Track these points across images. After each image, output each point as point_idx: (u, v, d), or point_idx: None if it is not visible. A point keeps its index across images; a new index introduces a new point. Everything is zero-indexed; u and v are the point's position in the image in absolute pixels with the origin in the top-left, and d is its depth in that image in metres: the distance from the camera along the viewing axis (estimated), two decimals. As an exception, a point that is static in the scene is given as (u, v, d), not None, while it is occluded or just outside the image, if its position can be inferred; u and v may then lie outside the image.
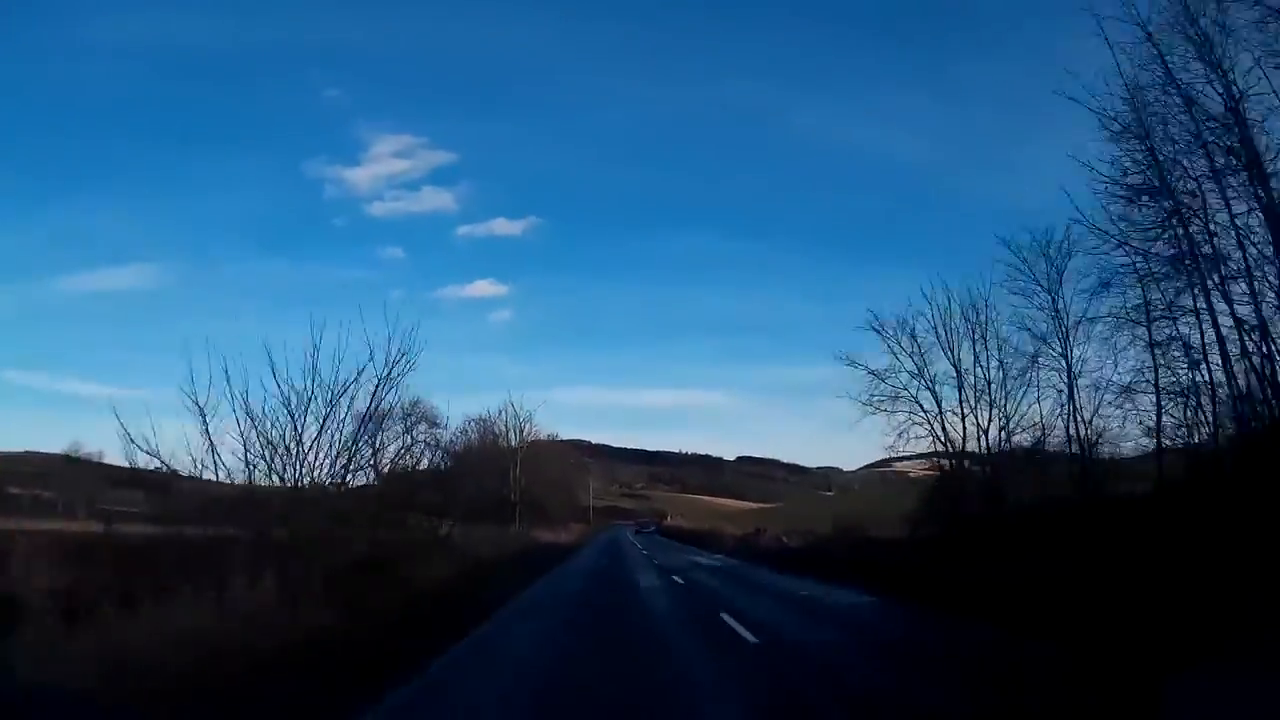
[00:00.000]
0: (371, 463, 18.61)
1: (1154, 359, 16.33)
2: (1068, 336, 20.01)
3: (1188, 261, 14.70)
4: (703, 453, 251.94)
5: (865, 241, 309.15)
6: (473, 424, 54.61)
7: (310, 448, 13.54)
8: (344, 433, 14.54)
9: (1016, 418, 22.01)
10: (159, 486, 17.01)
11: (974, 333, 23.22)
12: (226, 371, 12.63)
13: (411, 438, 24.82)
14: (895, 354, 24.42)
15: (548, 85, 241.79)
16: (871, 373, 24.60)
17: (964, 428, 23.03)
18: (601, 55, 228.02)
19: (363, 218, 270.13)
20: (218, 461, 12.81)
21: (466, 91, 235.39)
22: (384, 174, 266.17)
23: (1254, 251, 13.55)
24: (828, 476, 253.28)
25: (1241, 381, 13.81)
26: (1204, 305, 14.70)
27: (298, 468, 13.32)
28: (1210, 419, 14.80)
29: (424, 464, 28.95)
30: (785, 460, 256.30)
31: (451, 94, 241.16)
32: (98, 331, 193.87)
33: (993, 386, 22.58)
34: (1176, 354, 15.67)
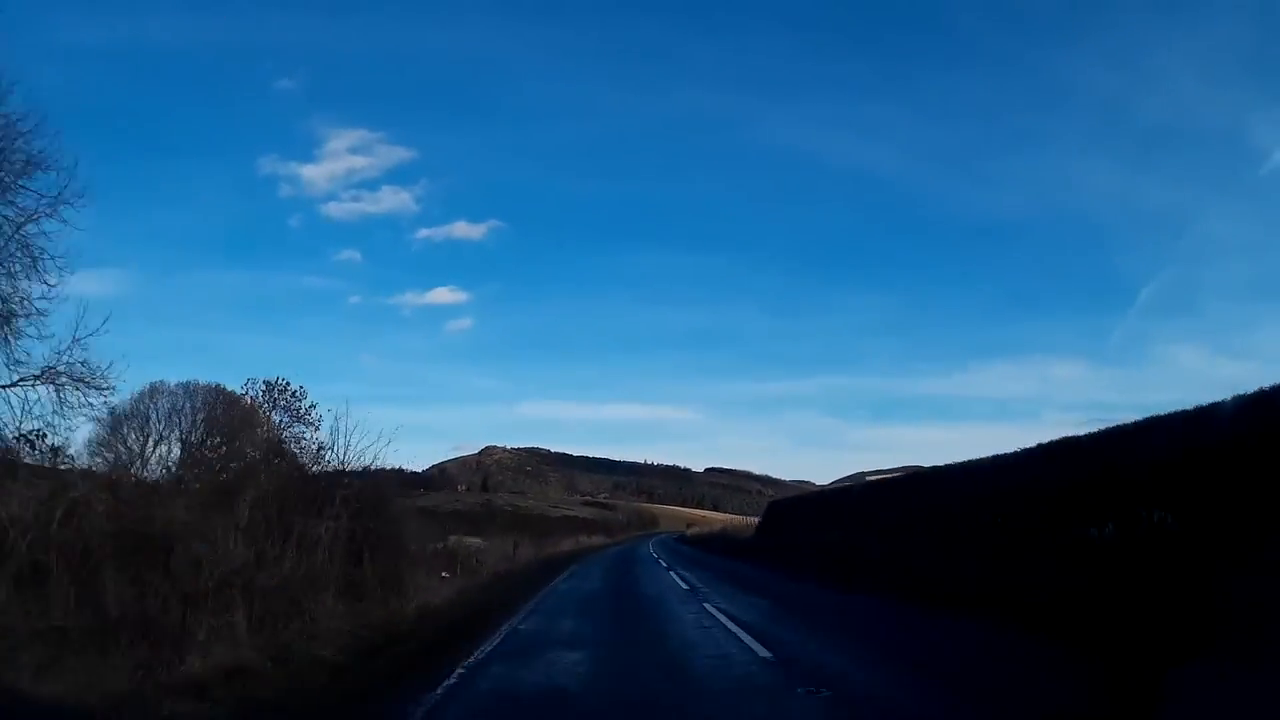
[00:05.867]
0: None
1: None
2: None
3: None
4: (670, 463, 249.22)
5: (832, 255, 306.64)
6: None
7: None
8: None
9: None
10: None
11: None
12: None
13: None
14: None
15: (510, 88, 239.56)
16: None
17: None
18: (565, 62, 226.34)
19: (319, 218, 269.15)
20: None
21: (426, 88, 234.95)
22: (341, 171, 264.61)
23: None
24: (803, 489, 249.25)
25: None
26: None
27: None
28: None
29: None
30: (759, 473, 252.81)
31: (410, 89, 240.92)
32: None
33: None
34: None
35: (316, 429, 17.21)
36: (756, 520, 67.29)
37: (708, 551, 45.18)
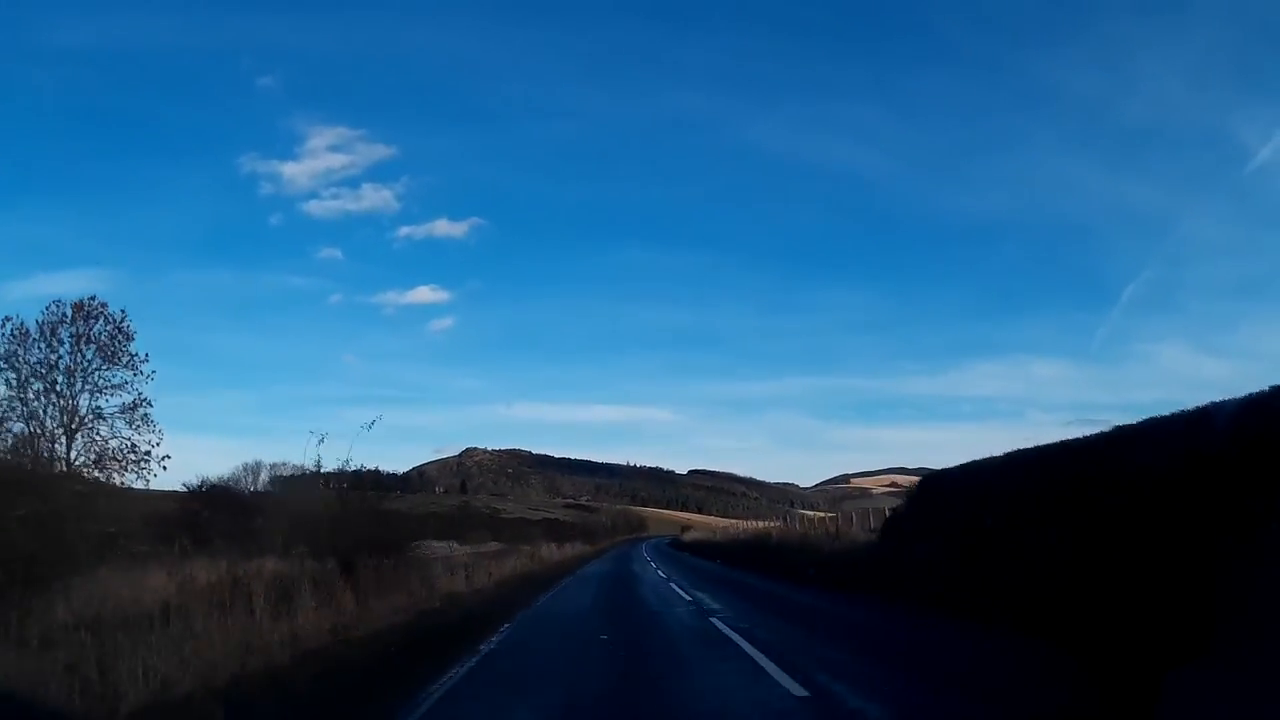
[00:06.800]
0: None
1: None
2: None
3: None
4: (653, 465, 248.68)
5: (817, 255, 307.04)
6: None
7: None
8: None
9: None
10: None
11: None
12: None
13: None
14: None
15: (493, 87, 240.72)
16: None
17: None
18: (549, 61, 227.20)
19: (299, 216, 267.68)
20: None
21: (407, 86, 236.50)
22: (321, 169, 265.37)
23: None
24: (787, 491, 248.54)
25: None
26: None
27: None
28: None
29: None
30: (742, 474, 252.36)
31: (391, 87, 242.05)
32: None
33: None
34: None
35: (151, 379, 13.42)
36: (761, 524, 46.59)
37: (843, 598, 16.24)
